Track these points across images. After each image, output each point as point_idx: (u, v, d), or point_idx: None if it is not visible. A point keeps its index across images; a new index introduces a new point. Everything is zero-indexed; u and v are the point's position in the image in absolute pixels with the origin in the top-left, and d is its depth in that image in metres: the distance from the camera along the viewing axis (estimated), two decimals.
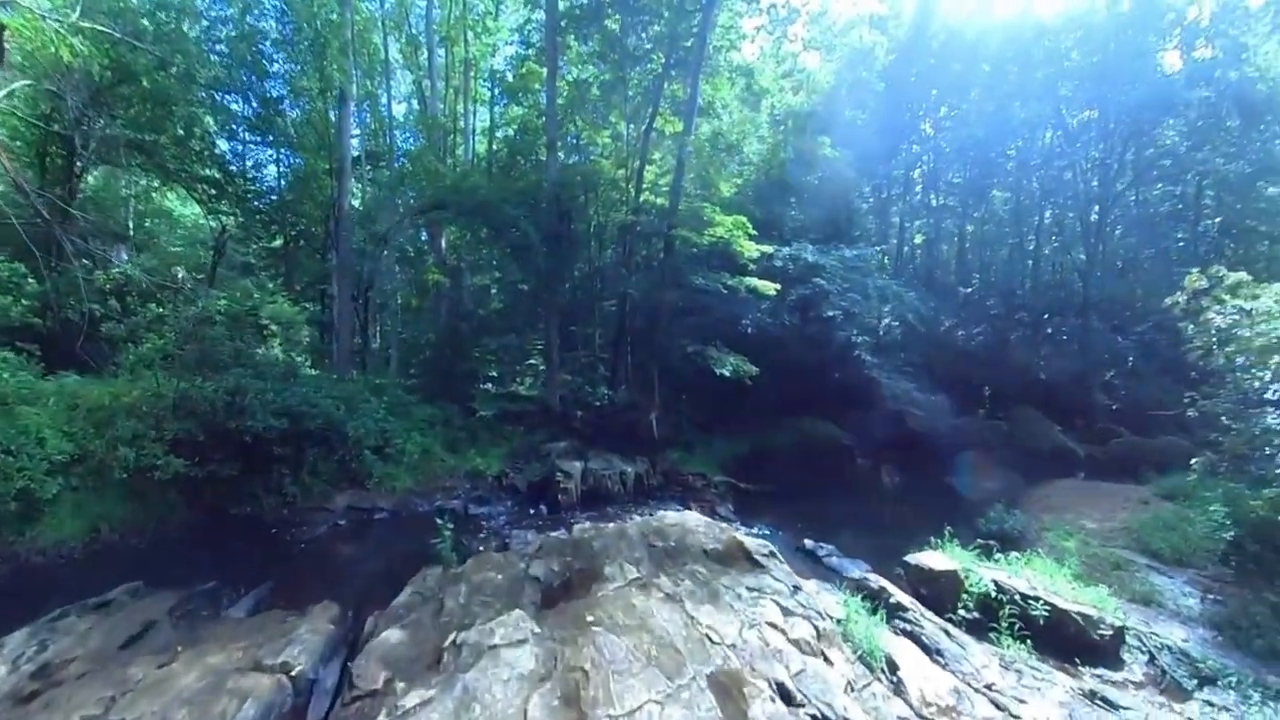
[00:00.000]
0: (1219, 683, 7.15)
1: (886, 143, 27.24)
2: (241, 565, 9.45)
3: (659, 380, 16.75)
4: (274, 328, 15.14)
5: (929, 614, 7.88)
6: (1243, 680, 7.08)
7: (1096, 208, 26.32)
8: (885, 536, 13.12)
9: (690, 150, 15.67)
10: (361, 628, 6.51)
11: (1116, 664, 7.63)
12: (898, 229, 32.48)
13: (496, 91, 26.79)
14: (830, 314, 17.74)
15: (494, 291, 26.39)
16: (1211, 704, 6.86)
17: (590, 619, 5.14)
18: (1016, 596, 8.13)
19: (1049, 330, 29.76)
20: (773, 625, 5.21)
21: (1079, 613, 7.88)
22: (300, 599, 7.65)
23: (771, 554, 6.94)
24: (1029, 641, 7.51)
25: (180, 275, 18.26)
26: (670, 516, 7.90)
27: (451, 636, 5.14)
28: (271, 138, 20.79)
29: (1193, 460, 10.58)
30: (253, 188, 21.30)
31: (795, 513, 13.96)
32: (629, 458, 14.98)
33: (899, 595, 8.15)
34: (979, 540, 10.18)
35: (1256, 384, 9.25)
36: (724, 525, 7.72)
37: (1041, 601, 7.98)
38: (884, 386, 19.08)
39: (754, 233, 15.37)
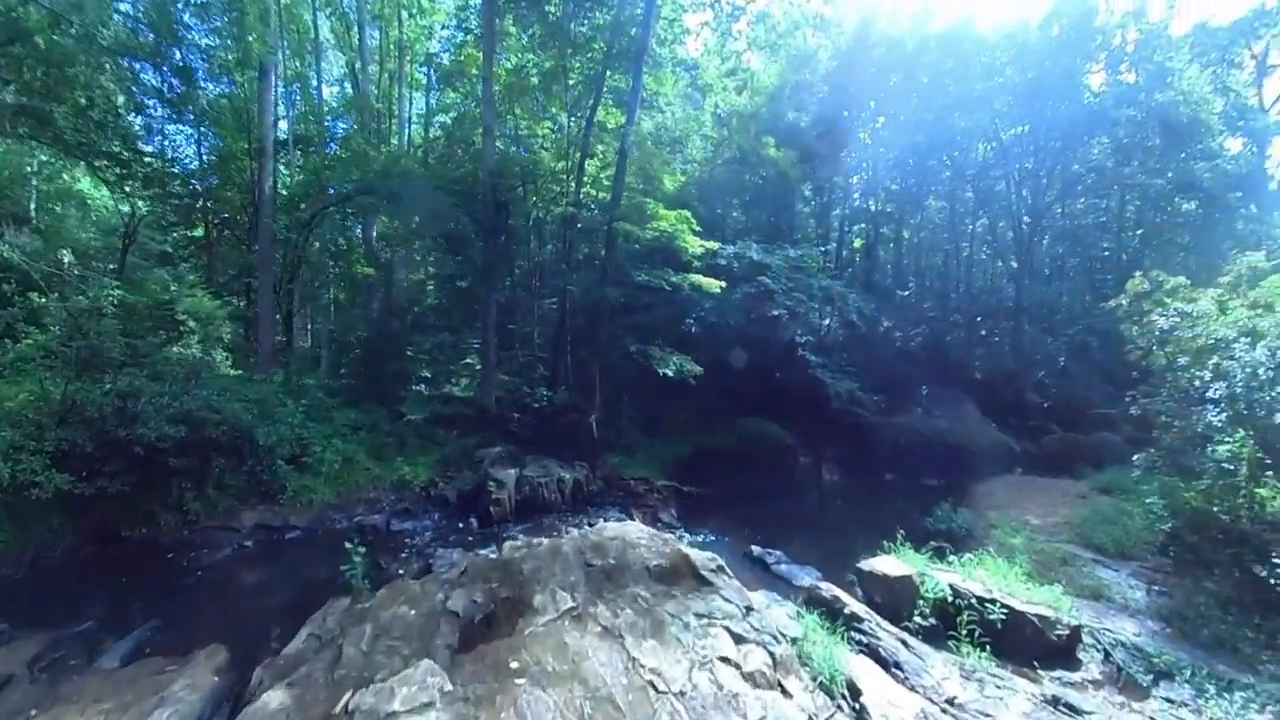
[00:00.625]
0: (1175, 677, 7.06)
1: (828, 146, 27.46)
2: (128, 599, 8.30)
3: (600, 381, 15.96)
4: (192, 324, 13.92)
5: (885, 624, 7.43)
6: (1197, 673, 7.00)
7: (1027, 218, 27.30)
8: (833, 539, 12.79)
9: (633, 141, 15.00)
10: (251, 679, 5.51)
11: (1074, 664, 7.46)
12: (838, 232, 32.90)
13: (433, 77, 25.47)
14: (776, 313, 17.42)
15: (430, 288, 25.05)
16: (1170, 700, 6.74)
17: (514, 666, 4.28)
18: (973, 600, 7.82)
19: (983, 332, 30.76)
20: (725, 660, 4.49)
21: (1036, 614, 7.67)
22: (188, 640, 6.82)
23: (720, 568, 6.26)
24: (988, 647, 7.18)
25: (67, 261, 16.23)
26: (610, 528, 7.12)
27: (344, 699, 4.19)
28: (190, 114, 18.78)
29: (1135, 456, 10.68)
30: (171, 169, 19.22)
31: (740, 517, 13.44)
32: (568, 463, 14.12)
33: (853, 605, 7.66)
34: (932, 542, 9.89)
35: (1197, 383, 9.36)
36: (668, 537, 7.02)
37: (998, 604, 7.71)
38: (829, 386, 18.93)
39: (698, 229, 14.82)
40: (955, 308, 31.42)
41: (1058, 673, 7.26)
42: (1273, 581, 7.45)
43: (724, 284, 15.39)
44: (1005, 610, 7.63)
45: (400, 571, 8.93)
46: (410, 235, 19.20)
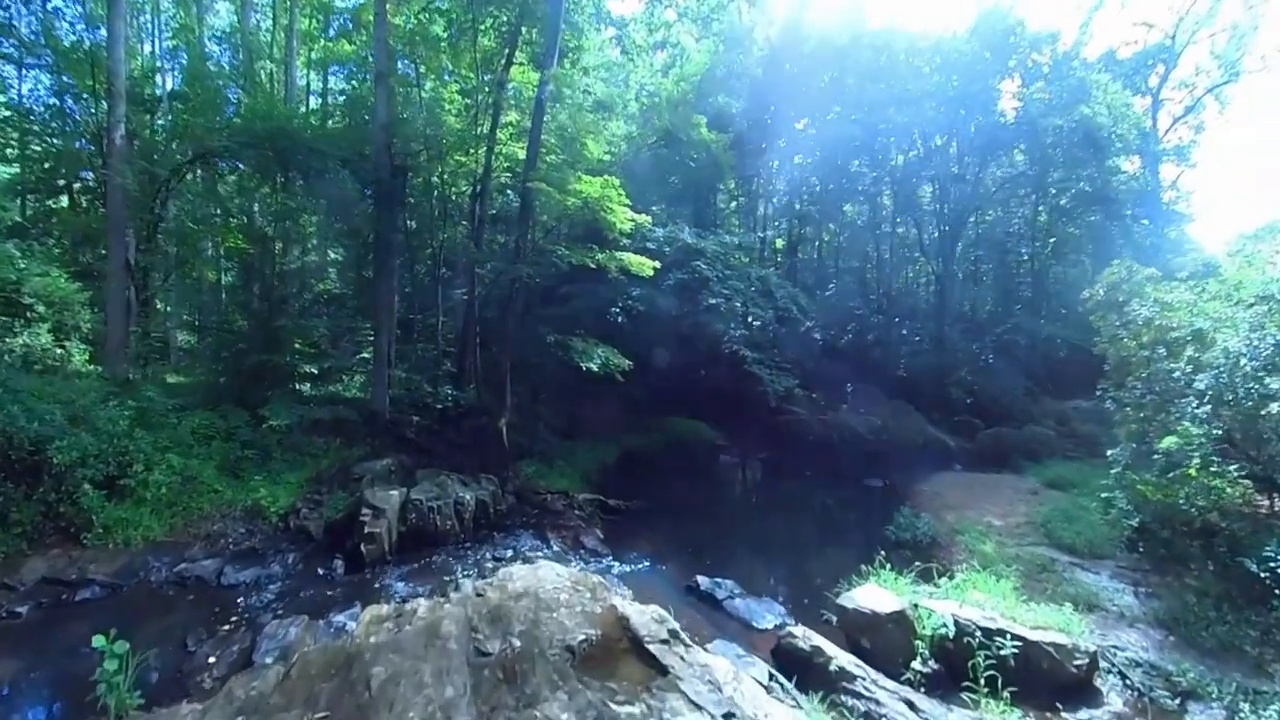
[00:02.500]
0: (1201, 696, 6.13)
1: (758, 137, 26.48)
2: None
3: (512, 378, 13.54)
4: (41, 309, 12.10)
5: (882, 679, 5.75)
6: (1223, 689, 6.10)
7: (947, 226, 27.51)
8: (789, 558, 11.11)
9: (550, 88, 12.74)
10: None
11: (1095, 697, 6.30)
12: (761, 229, 32.09)
13: (331, 34, 22.14)
14: (712, 302, 15.68)
15: (332, 274, 21.68)
16: None
17: None
18: (977, 633, 6.32)
19: (904, 331, 31.00)
20: None
21: (1050, 643, 6.38)
22: None
23: (673, 636, 4.23)
24: (1008, 696, 5.67)
25: None
26: (518, 576, 4.99)
27: None
28: (47, 56, 15.24)
29: (1109, 451, 9.84)
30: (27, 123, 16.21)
31: (677, 534, 11.53)
32: (472, 477, 11.63)
33: (840, 656, 5.94)
34: (916, 565, 8.40)
35: (1176, 374, 8.67)
36: (595, 582, 5.01)
37: (1009, 636, 6.34)
38: (765, 383, 17.49)
39: (628, 201, 12.79)
40: (877, 308, 31.55)
41: (1083, 713, 6.03)
42: (1263, 575, 6.88)
43: (657, 265, 13.41)
44: (1017, 642, 6.23)
45: (213, 659, 6.15)
46: (292, 204, 15.92)
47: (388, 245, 14.02)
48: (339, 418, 13.46)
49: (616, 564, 9.58)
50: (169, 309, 21.34)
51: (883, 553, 7.94)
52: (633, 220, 12.58)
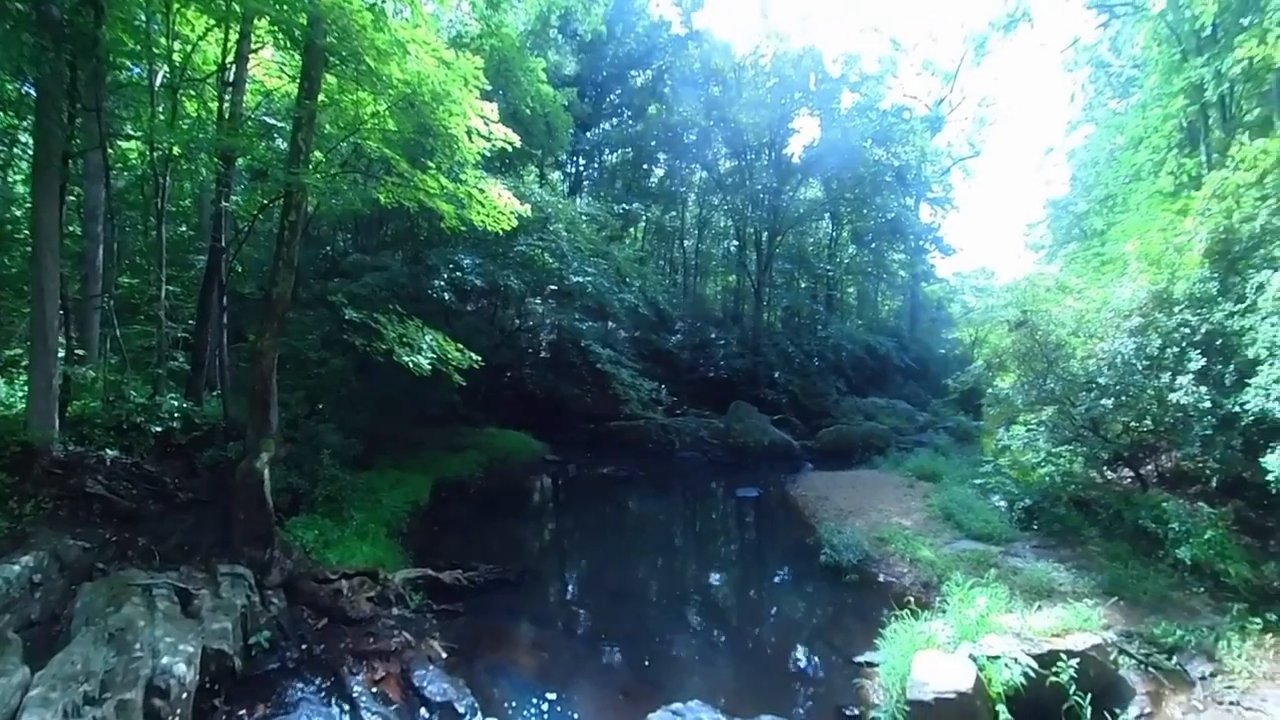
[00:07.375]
0: (1181, 648, 5.86)
1: (586, 114, 24.61)
2: None
3: (279, 380, 8.25)
4: None
5: None
6: (1188, 635, 5.91)
7: (766, 236, 28.61)
8: (734, 620, 8.54)
9: None
10: None
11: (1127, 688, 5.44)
12: None
13: None
14: (577, 280, 12.51)
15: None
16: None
17: None
18: (1026, 664, 4.77)
19: (712, 335, 31.59)
20: None
21: (1092, 648, 5.29)
22: None
23: None
24: None
25: None
26: None
27: None
28: None
29: (999, 439, 10.79)
30: None
31: (563, 618, 8.01)
32: (204, 570, 6.34)
33: None
34: (855, 580, 6.96)
35: (1075, 368, 9.38)
36: None
37: (1064, 656, 4.96)
38: (619, 385, 15.11)
39: (486, 85, 8.14)
40: (683, 313, 31.85)
41: (1132, 710, 5.08)
42: (1162, 535, 7.53)
43: (526, 213, 9.17)
44: (1074, 660, 4.93)
45: None
46: None
47: (54, 132, 7.71)
48: None
49: None
50: None
51: (915, 608, 5.92)
52: (489, 138, 8.16)
